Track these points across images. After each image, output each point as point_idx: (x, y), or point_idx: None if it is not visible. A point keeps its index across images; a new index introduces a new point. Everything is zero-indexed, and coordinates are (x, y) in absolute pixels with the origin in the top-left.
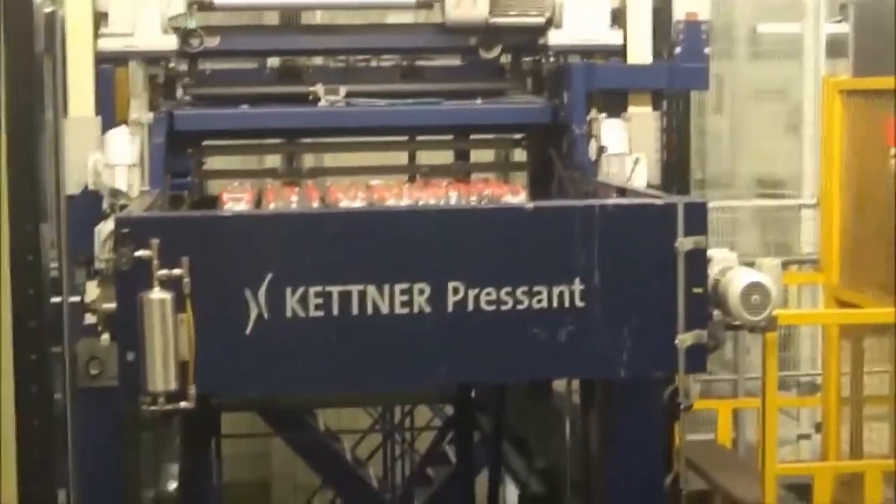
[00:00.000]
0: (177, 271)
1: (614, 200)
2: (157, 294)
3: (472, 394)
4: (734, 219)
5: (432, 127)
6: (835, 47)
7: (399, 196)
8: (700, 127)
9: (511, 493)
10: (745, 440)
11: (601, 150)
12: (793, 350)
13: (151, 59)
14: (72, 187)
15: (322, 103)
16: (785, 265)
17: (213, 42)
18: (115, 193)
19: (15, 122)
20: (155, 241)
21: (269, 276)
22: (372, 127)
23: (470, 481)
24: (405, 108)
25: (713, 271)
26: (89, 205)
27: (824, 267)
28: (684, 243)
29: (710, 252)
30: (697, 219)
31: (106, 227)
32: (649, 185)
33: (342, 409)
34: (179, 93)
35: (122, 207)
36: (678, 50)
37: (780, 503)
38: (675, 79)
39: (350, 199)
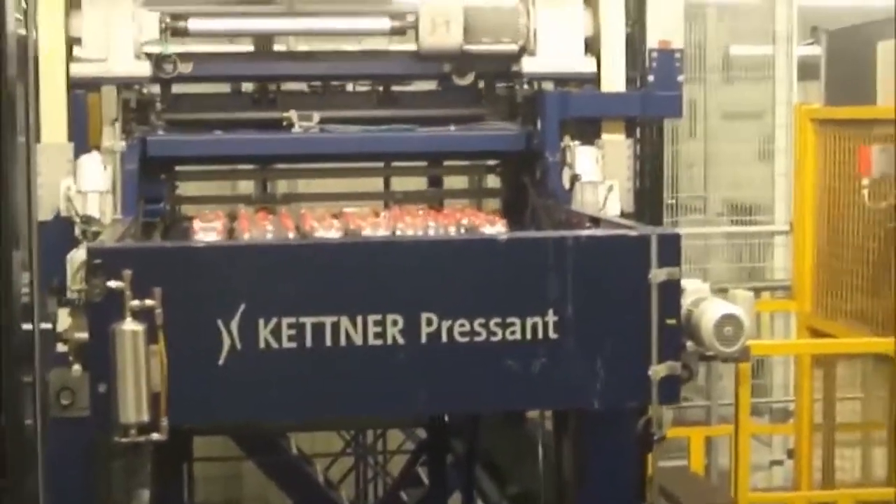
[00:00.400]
0: (149, 302)
1: (587, 232)
2: (130, 325)
3: (446, 418)
4: (706, 245)
5: (407, 154)
6: (806, 70)
7: (374, 225)
8: (673, 152)
9: None
10: (717, 466)
11: (574, 178)
12: (765, 376)
13: (125, 84)
14: (44, 213)
15: (296, 129)
16: (757, 291)
17: (186, 68)
18: (88, 220)
19: None
20: (127, 272)
21: (241, 307)
22: (346, 154)
23: None
24: (379, 134)
25: (686, 302)
26: (61, 231)
27: (797, 295)
28: (658, 275)
29: (683, 282)
30: (671, 250)
31: (78, 255)
32: (622, 213)
33: (314, 432)
34: (153, 118)
35: (95, 234)
36: (651, 78)
37: None
38: (649, 106)
39: (325, 227)
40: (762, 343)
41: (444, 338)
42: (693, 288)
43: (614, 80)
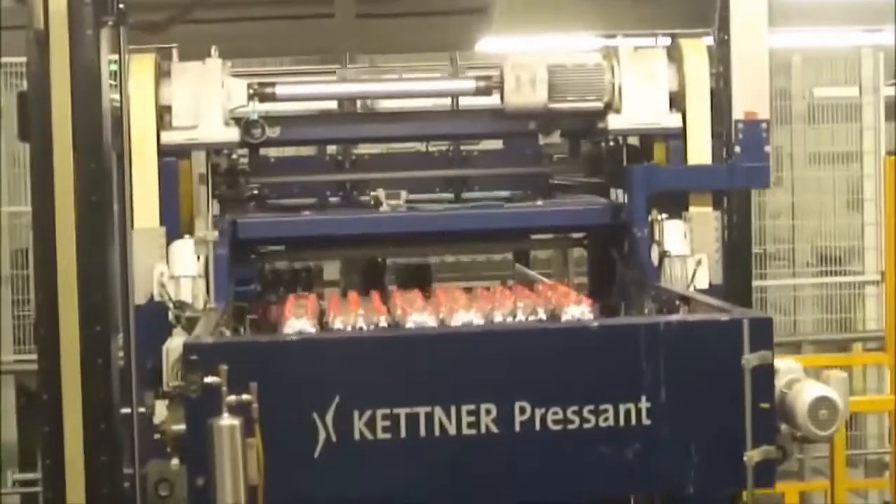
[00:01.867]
0: (245, 397)
1: (679, 317)
2: (227, 421)
3: None
4: (796, 296)
5: (494, 231)
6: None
7: (465, 307)
8: (759, 202)
9: None
10: None
11: (663, 254)
12: (859, 428)
13: (214, 150)
14: (138, 297)
15: (384, 208)
16: (848, 343)
17: (274, 132)
18: (181, 306)
19: (84, 227)
20: (224, 368)
21: (336, 400)
22: (433, 232)
23: None
24: (467, 212)
25: (779, 383)
26: (155, 315)
27: (889, 345)
28: (750, 359)
29: (775, 363)
30: (763, 334)
31: (173, 346)
32: (711, 285)
33: None
34: (241, 182)
35: (188, 320)
36: (738, 149)
37: None
38: (736, 178)
39: (417, 310)
40: (856, 399)
41: (538, 426)
42: (786, 368)
43: (701, 140)
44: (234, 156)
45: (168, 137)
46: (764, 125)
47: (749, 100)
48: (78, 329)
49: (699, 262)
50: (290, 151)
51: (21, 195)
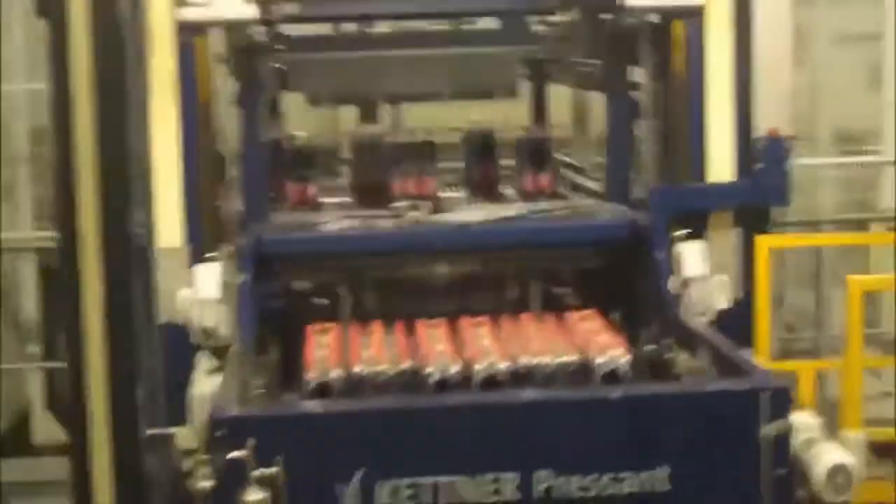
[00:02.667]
0: (272, 470)
1: (698, 388)
2: (254, 495)
3: None
4: (815, 175)
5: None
6: None
7: (492, 341)
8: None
9: None
10: (826, 398)
11: (684, 282)
12: (875, 306)
13: (233, 27)
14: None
15: (406, 218)
16: (867, 223)
17: (293, 8)
18: (206, 333)
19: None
20: (251, 442)
21: (360, 471)
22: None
23: None
24: (487, 226)
25: (796, 441)
26: (179, 336)
27: None
28: (769, 429)
29: (791, 417)
30: (781, 404)
31: (198, 393)
32: (736, 301)
33: None
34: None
35: (213, 349)
36: (760, 166)
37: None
38: (756, 195)
39: (437, 341)
40: (873, 278)
41: (559, 494)
42: (803, 424)
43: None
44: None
45: (186, 14)
46: (786, 143)
47: (771, 115)
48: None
49: (720, 283)
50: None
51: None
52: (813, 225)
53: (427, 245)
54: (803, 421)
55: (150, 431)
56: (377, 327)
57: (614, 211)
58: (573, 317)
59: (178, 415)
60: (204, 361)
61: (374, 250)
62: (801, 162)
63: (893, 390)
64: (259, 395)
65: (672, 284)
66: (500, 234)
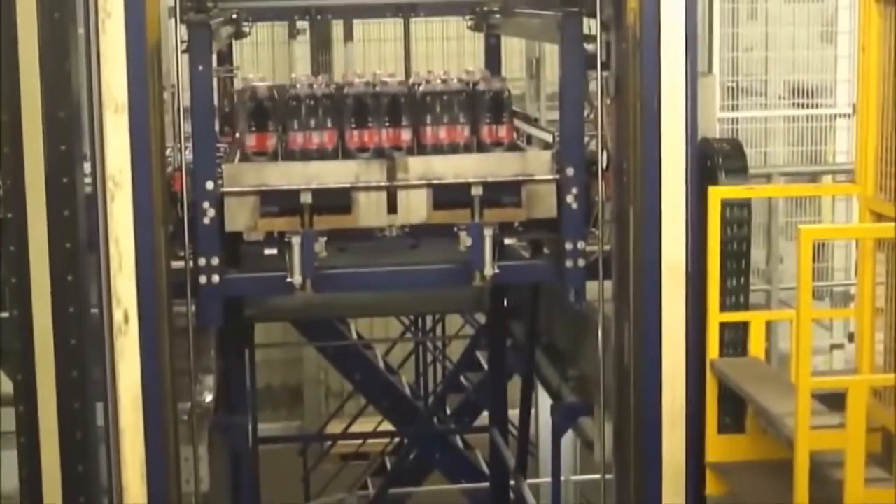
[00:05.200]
0: None
1: None
2: None
3: (505, 302)
4: (767, 128)
5: None
6: None
7: None
8: (733, 34)
9: (543, 399)
10: (777, 351)
11: None
12: (826, 260)
13: None
14: None
15: None
16: (819, 175)
17: None
18: None
19: None
20: None
21: None
22: None
23: (502, 388)
24: None
25: None
26: None
27: (859, 178)
28: None
29: None
30: None
31: None
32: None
33: (374, 318)
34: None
35: None
36: None
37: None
38: None
39: None
40: (824, 227)
41: None
42: None
43: None
44: None
45: None
46: None
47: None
48: None
49: None
50: None
51: None
52: (766, 178)
53: None
54: None
55: None
56: None
57: None
58: None
59: None
60: None
61: None
62: (753, 114)
63: (844, 343)
64: None
65: None
66: None
